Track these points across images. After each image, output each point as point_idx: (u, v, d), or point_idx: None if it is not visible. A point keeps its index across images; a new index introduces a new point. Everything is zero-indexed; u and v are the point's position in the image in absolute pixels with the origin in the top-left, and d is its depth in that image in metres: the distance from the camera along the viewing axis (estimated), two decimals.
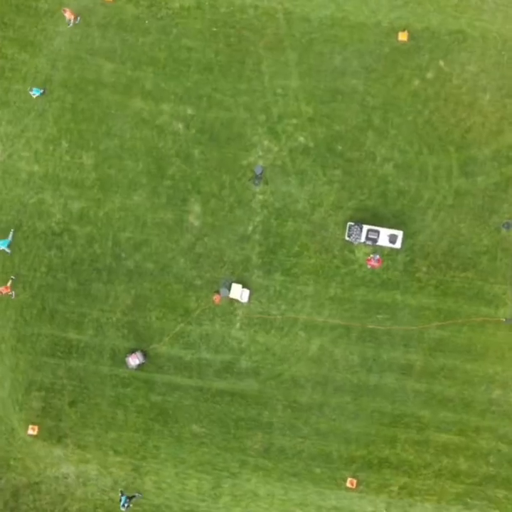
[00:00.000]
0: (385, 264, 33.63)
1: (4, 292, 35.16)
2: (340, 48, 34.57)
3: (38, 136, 36.07)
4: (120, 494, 33.58)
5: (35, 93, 35.77)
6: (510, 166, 33.51)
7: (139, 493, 34.25)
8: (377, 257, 33.03)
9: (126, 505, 33.32)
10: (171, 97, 35.36)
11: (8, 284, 35.29)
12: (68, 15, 35.25)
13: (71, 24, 35.76)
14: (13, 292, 35.46)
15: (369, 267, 33.46)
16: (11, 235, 35.71)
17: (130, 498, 33.59)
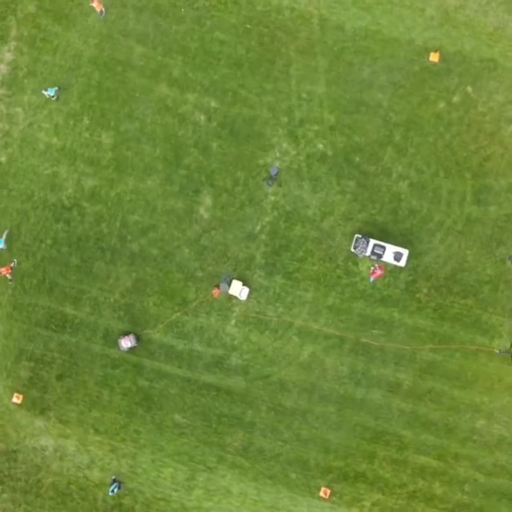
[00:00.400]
0: (387, 280, 33.68)
1: (4, 273, 35.15)
2: (370, 60, 34.60)
3: (61, 109, 36.23)
4: (113, 480, 33.70)
5: (50, 93, 35.81)
6: None
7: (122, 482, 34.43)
8: (377, 266, 32.98)
9: (115, 491, 33.50)
10: (197, 88, 35.46)
11: (10, 265, 35.30)
12: (96, 5, 35.24)
13: (103, 15, 35.80)
14: (13, 278, 35.48)
15: (373, 279, 33.39)
16: (5, 234, 35.69)
17: (120, 485, 33.76)
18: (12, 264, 35.43)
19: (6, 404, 35.61)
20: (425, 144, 34.08)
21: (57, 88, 35.87)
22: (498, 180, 33.62)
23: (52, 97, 35.88)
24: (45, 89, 35.80)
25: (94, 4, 35.17)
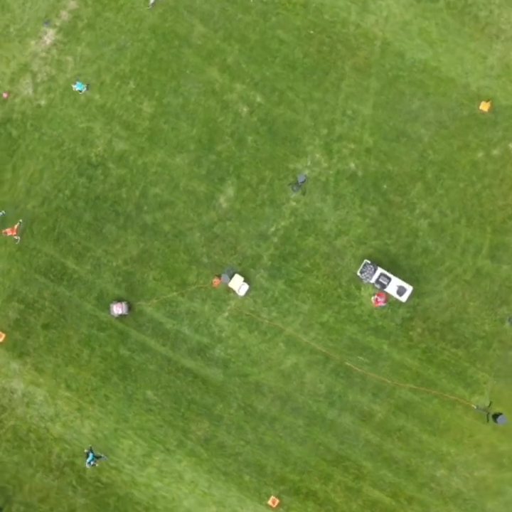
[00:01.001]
0: (385, 311, 33.68)
1: (10, 234, 35.40)
2: (422, 94, 34.60)
3: (110, 69, 36.44)
4: (88, 451, 33.83)
5: (78, 87, 35.99)
6: None
7: (106, 455, 34.42)
8: (381, 295, 33.02)
9: (91, 463, 33.66)
10: (247, 80, 35.57)
11: (15, 226, 35.55)
12: None
13: (151, 4, 36.07)
14: (19, 238, 35.73)
15: (375, 305, 33.38)
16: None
17: (97, 457, 33.89)
18: (17, 225, 35.61)
19: None
20: (455, 188, 34.06)
21: (86, 86, 36.06)
22: None
23: (80, 91, 36.03)
24: (74, 83, 35.99)
25: None
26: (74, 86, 36.08)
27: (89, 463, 33.66)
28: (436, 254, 33.89)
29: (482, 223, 33.75)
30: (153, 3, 35.98)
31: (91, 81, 36.47)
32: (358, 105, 34.92)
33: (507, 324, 33.27)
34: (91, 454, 33.63)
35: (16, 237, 35.65)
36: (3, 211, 36.03)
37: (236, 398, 34.32)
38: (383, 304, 33.18)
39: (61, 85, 36.75)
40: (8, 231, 35.35)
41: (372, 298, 33.56)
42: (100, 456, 34.06)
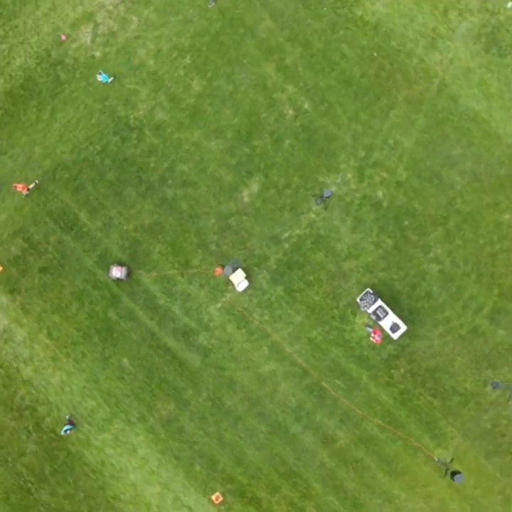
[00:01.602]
0: (373, 344, 33.68)
1: (20, 189, 35.51)
2: (465, 142, 34.52)
3: (171, 38, 36.55)
4: (69, 418, 34.01)
5: (102, 79, 36.05)
6: None
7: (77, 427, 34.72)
8: (378, 332, 32.99)
9: (68, 432, 33.85)
10: (300, 84, 35.60)
11: (30, 185, 35.66)
12: None
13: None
14: (27, 193, 35.85)
15: (373, 341, 33.36)
16: None
17: (73, 427, 34.09)
18: (32, 185, 35.73)
19: None
20: (473, 242, 33.97)
21: (112, 78, 36.08)
22: None
23: (104, 83, 36.09)
24: (100, 73, 36.03)
25: None
26: (99, 76, 36.03)
27: (65, 431, 33.82)
28: (438, 301, 33.82)
29: (491, 284, 33.65)
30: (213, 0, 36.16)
31: (149, 46, 36.61)
32: (401, 137, 34.87)
33: (488, 388, 33.17)
34: (70, 424, 33.83)
35: (24, 193, 35.68)
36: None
37: (207, 388, 34.39)
38: (379, 341, 33.09)
39: (119, 42, 36.91)
40: (19, 186, 35.37)
41: (369, 330, 33.50)
42: (74, 425, 34.21)
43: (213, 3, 36.10)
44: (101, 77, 36.05)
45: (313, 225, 34.80)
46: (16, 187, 35.48)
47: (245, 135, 35.60)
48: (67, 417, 34.30)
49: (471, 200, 34.24)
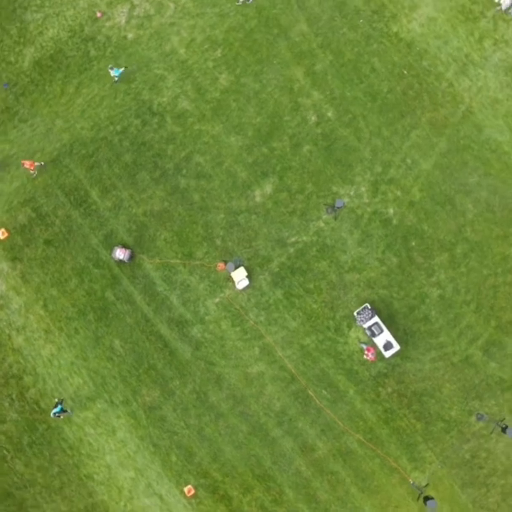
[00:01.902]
0: (365, 359, 33.69)
1: (27, 166, 35.59)
2: (483, 172, 34.49)
3: (205, 30, 36.60)
4: (59, 401, 34.06)
5: (114, 73, 36.00)
6: None
7: (72, 411, 34.65)
8: (372, 350, 32.91)
9: (57, 414, 33.91)
10: (326, 92, 35.61)
11: (36, 163, 35.74)
12: None
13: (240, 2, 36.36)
14: (36, 172, 35.93)
15: (367, 358, 33.32)
16: None
17: (64, 411, 34.14)
18: (38, 164, 35.82)
19: None
20: (478, 272, 33.93)
21: (123, 69, 36.02)
22: None
23: (115, 77, 36.07)
24: (111, 68, 36.01)
25: None
26: (111, 71, 35.99)
27: (54, 413, 33.87)
28: (434, 326, 33.80)
29: (489, 315, 33.61)
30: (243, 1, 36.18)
31: (182, 34, 36.66)
32: (420, 158, 34.85)
33: (473, 418, 33.14)
34: (59, 406, 33.88)
35: (32, 171, 35.81)
36: (42, 162, 36.27)
37: (194, 381, 34.44)
38: (372, 359, 33.03)
39: (153, 27, 36.97)
40: (27, 163, 35.43)
41: (363, 346, 33.48)
42: (66, 411, 34.27)
43: (116, 74, 35.82)
44: (113, 72, 35.87)
45: (320, 233, 34.81)
46: (23, 164, 35.53)
47: (265, 135, 35.63)
48: (56, 400, 34.32)
49: (481, 230, 34.20)
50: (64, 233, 35.81)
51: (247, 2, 36.30)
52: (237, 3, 36.28)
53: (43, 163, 35.95)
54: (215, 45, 36.46)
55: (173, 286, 35.08)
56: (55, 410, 33.77)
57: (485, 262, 34.02)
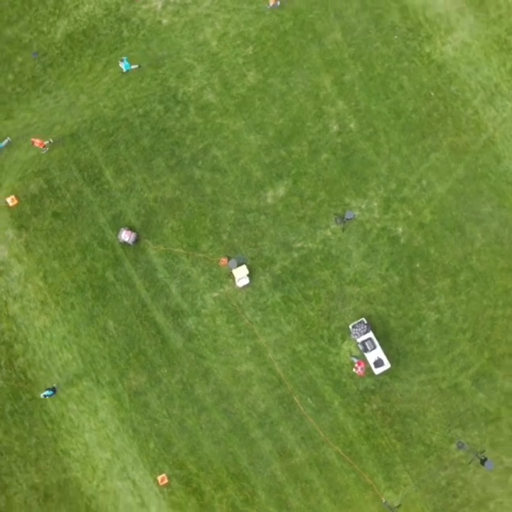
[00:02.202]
0: (353, 373, 33.69)
1: (37, 144, 35.67)
2: (497, 203, 34.44)
3: (239, 25, 36.62)
4: (53, 387, 34.16)
5: (124, 66, 36.02)
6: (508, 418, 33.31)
7: (57, 387, 34.81)
8: (362, 365, 32.90)
9: (46, 396, 34.00)
10: (351, 103, 35.61)
11: (45, 141, 35.82)
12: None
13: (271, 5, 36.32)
14: (47, 149, 36.01)
15: (356, 372, 33.29)
16: (5, 142, 36.45)
17: (54, 392, 34.28)
18: (47, 142, 35.87)
19: (1, 201, 36.23)
20: (478, 302, 33.88)
21: (135, 66, 36.07)
22: (505, 379, 33.35)
23: (122, 70, 36.11)
24: (122, 60, 36.02)
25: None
26: (121, 63, 36.03)
27: (44, 395, 33.95)
28: (427, 349, 33.77)
29: (483, 346, 33.56)
30: (273, 6, 36.15)
31: (216, 26, 36.69)
32: (436, 181, 34.81)
33: (453, 446, 33.12)
34: (52, 392, 33.95)
35: (42, 149, 35.89)
36: (8, 138, 36.43)
37: (182, 371, 34.48)
38: (361, 373, 33.01)
39: (189, 15, 37.02)
40: (37, 141, 35.52)
41: (354, 360, 33.47)
42: (54, 392, 34.34)
43: (126, 68, 35.95)
44: (123, 65, 35.94)
45: (327, 242, 34.81)
46: (33, 142, 35.59)
47: (285, 138, 35.64)
48: (54, 385, 34.44)
49: (486, 260, 34.15)
50: (73, 208, 35.89)
51: (274, 9, 36.20)
52: (267, 7, 36.30)
53: (51, 140, 35.99)
54: (247, 42, 36.48)
55: (173, 275, 35.12)
56: (46, 393, 33.87)
57: (486, 292, 33.97)
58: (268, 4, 36.25)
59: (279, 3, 36.16)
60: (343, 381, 33.79)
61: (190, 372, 34.45)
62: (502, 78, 35.50)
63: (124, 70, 36.15)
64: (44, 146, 35.81)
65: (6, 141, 36.45)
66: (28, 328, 35.32)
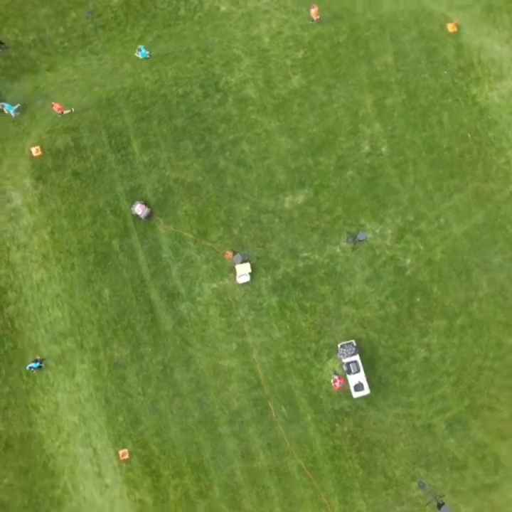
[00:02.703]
0: (334, 392, 33.72)
1: (56, 109, 35.80)
2: (509, 256, 34.35)
3: (294, 27, 36.68)
4: (38, 359, 34.24)
5: (141, 54, 36.15)
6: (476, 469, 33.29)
7: (43, 362, 34.95)
8: (342, 380, 32.98)
9: (32, 368, 34.06)
10: (388, 128, 35.59)
11: (66, 111, 35.96)
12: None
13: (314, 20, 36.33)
14: (63, 114, 36.16)
15: (333, 384, 33.33)
16: (16, 107, 36.52)
17: (40, 365, 34.37)
18: (68, 111, 35.93)
19: (26, 149, 36.42)
20: (469, 349, 33.81)
21: (151, 57, 36.22)
22: (479, 430, 33.32)
23: (139, 57, 36.26)
24: (139, 50, 36.08)
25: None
26: (138, 52, 36.15)
27: (30, 367, 34.00)
28: (409, 384, 33.74)
29: (465, 393, 33.50)
30: (315, 19, 36.12)
31: (272, 24, 36.74)
32: (454, 221, 34.77)
33: (414, 484, 33.08)
34: (38, 364, 33.96)
35: (59, 113, 36.00)
36: (19, 105, 36.51)
37: (165, 353, 34.57)
38: (337, 387, 33.05)
39: (247, 7, 37.09)
40: (57, 105, 35.56)
41: (333, 375, 33.50)
42: (41, 365, 34.37)
43: (143, 56, 36.12)
44: (140, 54, 36.04)
45: (334, 258, 34.82)
46: (53, 105, 35.64)
47: (316, 147, 35.67)
48: (37, 357, 34.49)
49: (486, 310, 34.08)
50: (94, 171, 36.03)
51: (312, 23, 36.17)
52: (311, 22, 36.31)
53: (72, 109, 36.04)
54: (299, 46, 36.52)
55: (177, 258, 35.22)
56: (32, 365, 33.97)
57: (479, 341, 33.89)
58: (312, 20, 36.24)
59: (319, 17, 36.11)
60: (320, 397, 33.80)
61: (173, 356, 34.54)
62: None
63: (141, 57, 36.25)
64: (62, 113, 35.89)
65: (17, 106, 36.46)
66: (25, 279, 35.49)
